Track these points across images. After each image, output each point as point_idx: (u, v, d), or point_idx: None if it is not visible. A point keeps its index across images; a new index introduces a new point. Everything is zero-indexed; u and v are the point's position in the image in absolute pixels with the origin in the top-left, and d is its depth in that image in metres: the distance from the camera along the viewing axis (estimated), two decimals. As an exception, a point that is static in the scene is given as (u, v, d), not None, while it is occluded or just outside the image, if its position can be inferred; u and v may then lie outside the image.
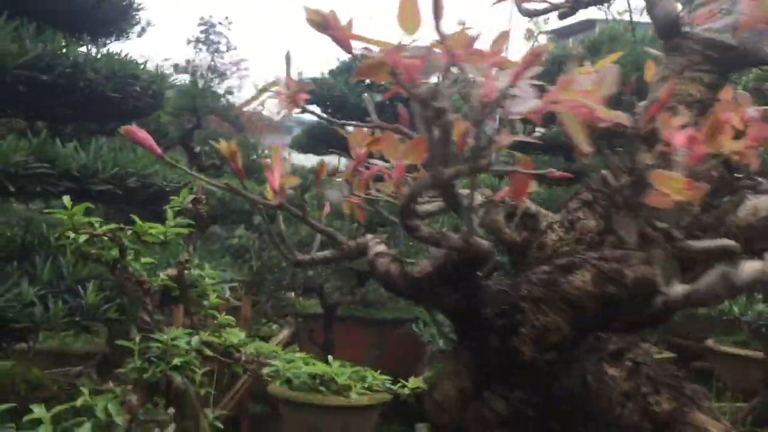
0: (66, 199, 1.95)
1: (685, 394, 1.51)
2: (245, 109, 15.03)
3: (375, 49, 1.18)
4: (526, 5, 1.90)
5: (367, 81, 9.80)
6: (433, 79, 1.17)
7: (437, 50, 1.01)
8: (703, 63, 1.65)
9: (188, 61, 12.90)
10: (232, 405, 5.12)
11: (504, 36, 1.35)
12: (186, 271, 2.29)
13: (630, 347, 1.56)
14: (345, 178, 1.62)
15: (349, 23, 1.21)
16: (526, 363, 1.33)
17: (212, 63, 12.83)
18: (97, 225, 2.02)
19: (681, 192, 0.97)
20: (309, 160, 10.38)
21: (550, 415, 1.40)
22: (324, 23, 1.18)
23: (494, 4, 1.81)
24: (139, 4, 3.37)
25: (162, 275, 2.24)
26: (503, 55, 1.28)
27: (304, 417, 6.28)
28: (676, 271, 1.19)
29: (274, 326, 7.29)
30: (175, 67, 12.81)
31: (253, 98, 1.37)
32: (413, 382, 2.72)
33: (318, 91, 9.32)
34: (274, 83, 1.33)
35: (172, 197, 2.83)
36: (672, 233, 1.10)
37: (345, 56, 10.40)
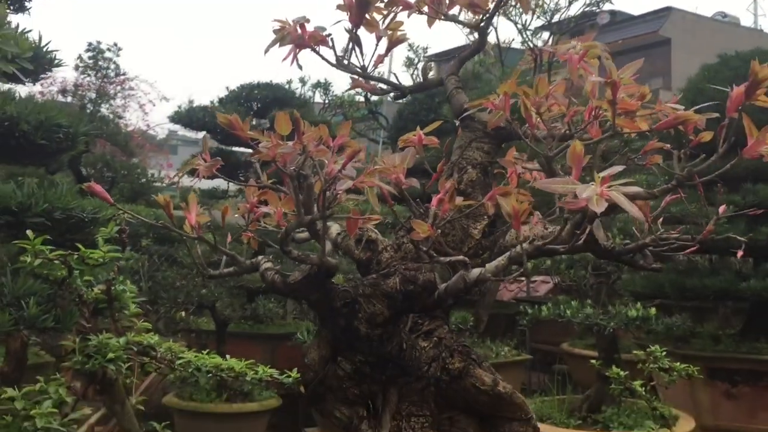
0: (29, 233, 2.52)
1: (471, 357, 2.30)
2: (133, 131, 15.22)
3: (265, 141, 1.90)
4: (367, 89, 2.67)
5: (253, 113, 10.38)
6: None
7: (297, 149, 1.74)
8: (483, 137, 2.47)
9: (76, 86, 13.05)
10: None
11: (347, 124, 2.10)
12: (112, 287, 2.88)
13: (437, 328, 2.34)
14: (241, 213, 2.32)
15: (246, 123, 1.93)
16: (363, 336, 2.08)
17: (100, 88, 13.03)
18: (47, 251, 2.60)
19: (426, 231, 1.73)
20: (199, 183, 10.83)
21: (380, 371, 2.16)
22: (230, 125, 1.89)
23: (347, 90, 2.56)
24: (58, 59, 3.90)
25: (95, 290, 2.83)
26: (347, 138, 2.04)
27: (199, 425, 6.77)
28: (449, 276, 1.97)
29: (167, 343, 7.73)
30: (63, 91, 12.94)
31: (179, 172, 2.06)
32: (295, 373, 3.33)
33: (208, 119, 9.88)
34: (194, 159, 2.02)
35: (92, 227, 3.43)
36: (430, 253, 1.87)
37: (234, 85, 11.02)
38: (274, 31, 2.41)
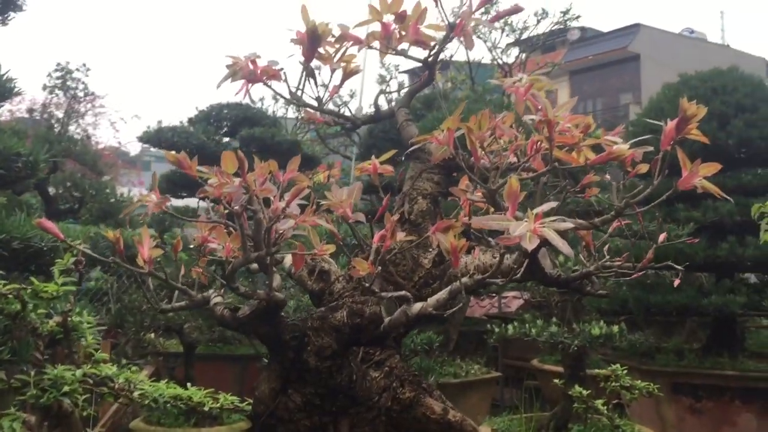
0: (-19, 268, 2.52)
1: (422, 386, 2.34)
2: (102, 147, 15.13)
3: (213, 179, 1.93)
4: (321, 121, 2.72)
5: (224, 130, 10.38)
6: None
7: (242, 188, 1.78)
8: (433, 168, 2.53)
9: (44, 105, 12.97)
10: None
11: (295, 161, 2.14)
12: (69, 318, 2.88)
13: (388, 358, 2.38)
14: (196, 245, 2.35)
15: (194, 162, 1.96)
16: (312, 368, 2.11)
17: (69, 107, 12.96)
18: (1, 285, 2.60)
19: (366, 269, 1.78)
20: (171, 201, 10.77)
21: (330, 402, 2.18)
22: (179, 163, 1.92)
23: (299, 123, 2.61)
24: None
25: (51, 322, 2.83)
26: (295, 173, 2.08)
27: (167, 450, 6.72)
28: (395, 308, 2.01)
29: (134, 367, 7.64)
30: (31, 111, 12.85)
31: (132, 206, 2.08)
32: (257, 400, 3.36)
33: (177, 140, 9.83)
34: (146, 197, 2.05)
35: (51, 255, 3.43)
36: (373, 289, 1.91)
37: (203, 105, 11.00)
38: (227, 66, 2.45)
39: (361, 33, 2.66)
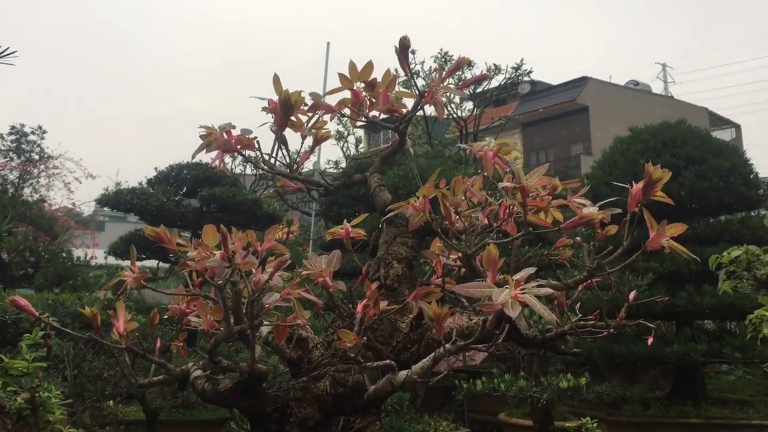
0: (-51, 348, 2.46)
1: (403, 452, 2.33)
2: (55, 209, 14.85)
3: (192, 252, 1.93)
4: (294, 189, 2.75)
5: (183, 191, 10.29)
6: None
7: (224, 262, 1.79)
8: (407, 232, 2.56)
9: (-5, 170, 12.74)
10: None
11: (274, 228, 2.16)
12: (36, 394, 2.81)
13: (369, 425, 2.37)
14: (171, 315, 2.33)
15: (174, 235, 1.97)
16: (295, 440, 2.09)
17: (23, 171, 12.75)
18: (-33, 364, 2.53)
19: (352, 341, 1.80)
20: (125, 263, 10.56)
21: (313, 473, 2.16)
22: (159, 238, 1.92)
23: (270, 189, 2.63)
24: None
25: (19, 399, 2.75)
26: (275, 242, 2.09)
27: None
28: (378, 375, 2.02)
29: (94, 439, 7.38)
30: (-17, 176, 12.60)
31: (105, 287, 2.07)
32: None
33: (136, 201, 9.73)
34: (124, 272, 2.04)
35: (15, 327, 3.36)
36: (358, 359, 1.92)
37: (163, 165, 10.88)
38: (201, 137, 2.47)
39: (333, 100, 2.72)
